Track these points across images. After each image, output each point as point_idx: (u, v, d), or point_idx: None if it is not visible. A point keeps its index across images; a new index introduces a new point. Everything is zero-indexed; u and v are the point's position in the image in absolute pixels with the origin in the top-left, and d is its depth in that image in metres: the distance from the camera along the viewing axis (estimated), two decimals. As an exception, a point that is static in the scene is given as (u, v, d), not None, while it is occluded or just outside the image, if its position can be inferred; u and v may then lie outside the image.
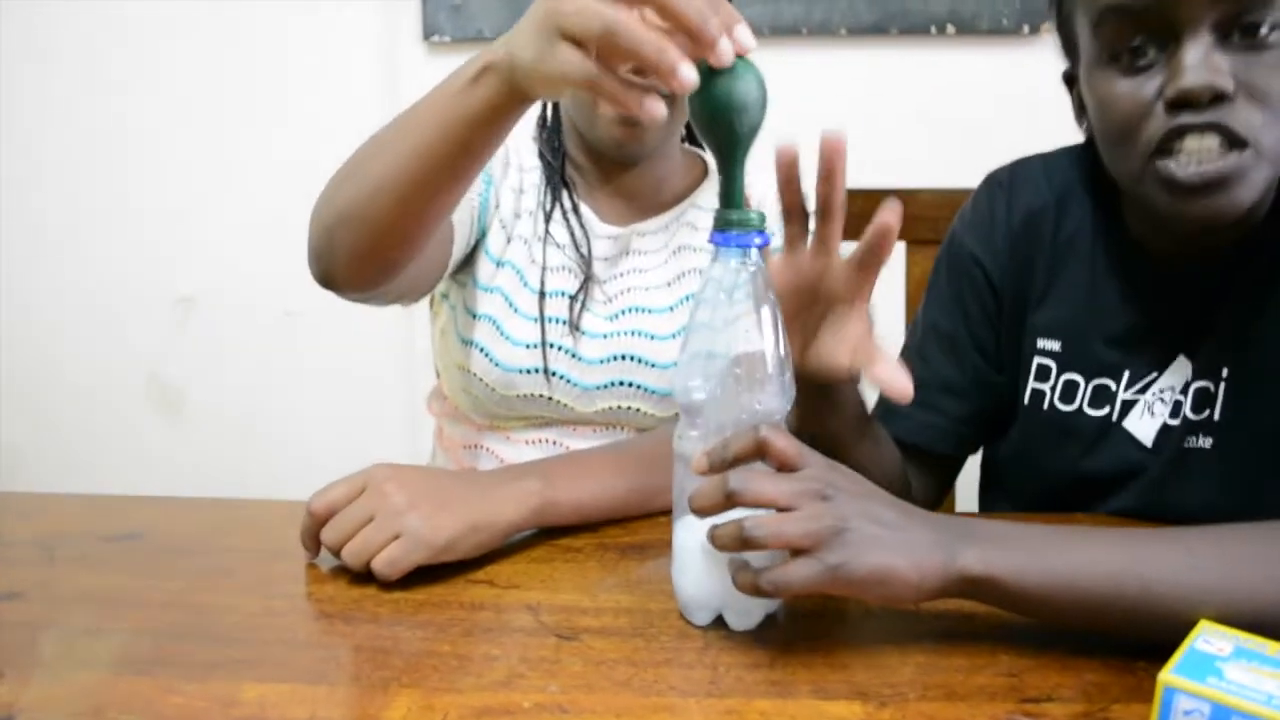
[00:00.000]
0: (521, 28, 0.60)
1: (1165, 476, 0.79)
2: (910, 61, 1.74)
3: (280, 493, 0.83)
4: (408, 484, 0.70)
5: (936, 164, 1.25)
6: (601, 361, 0.96)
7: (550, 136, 1.02)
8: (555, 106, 1.03)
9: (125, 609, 0.67)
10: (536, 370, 0.95)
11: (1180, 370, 0.79)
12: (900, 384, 0.66)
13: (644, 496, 0.80)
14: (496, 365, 0.95)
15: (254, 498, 0.85)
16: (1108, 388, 0.82)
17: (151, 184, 1.89)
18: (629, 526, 0.79)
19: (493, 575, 0.71)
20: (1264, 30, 0.66)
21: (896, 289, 1.15)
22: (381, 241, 0.72)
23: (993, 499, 0.95)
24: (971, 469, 0.96)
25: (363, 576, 0.69)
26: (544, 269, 0.97)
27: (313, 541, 0.71)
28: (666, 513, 0.70)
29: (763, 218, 0.60)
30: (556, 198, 0.99)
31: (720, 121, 0.58)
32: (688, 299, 0.99)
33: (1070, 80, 0.81)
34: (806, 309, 0.69)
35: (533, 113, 1.00)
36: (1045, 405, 0.84)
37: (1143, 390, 0.80)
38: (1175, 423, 0.79)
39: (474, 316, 0.97)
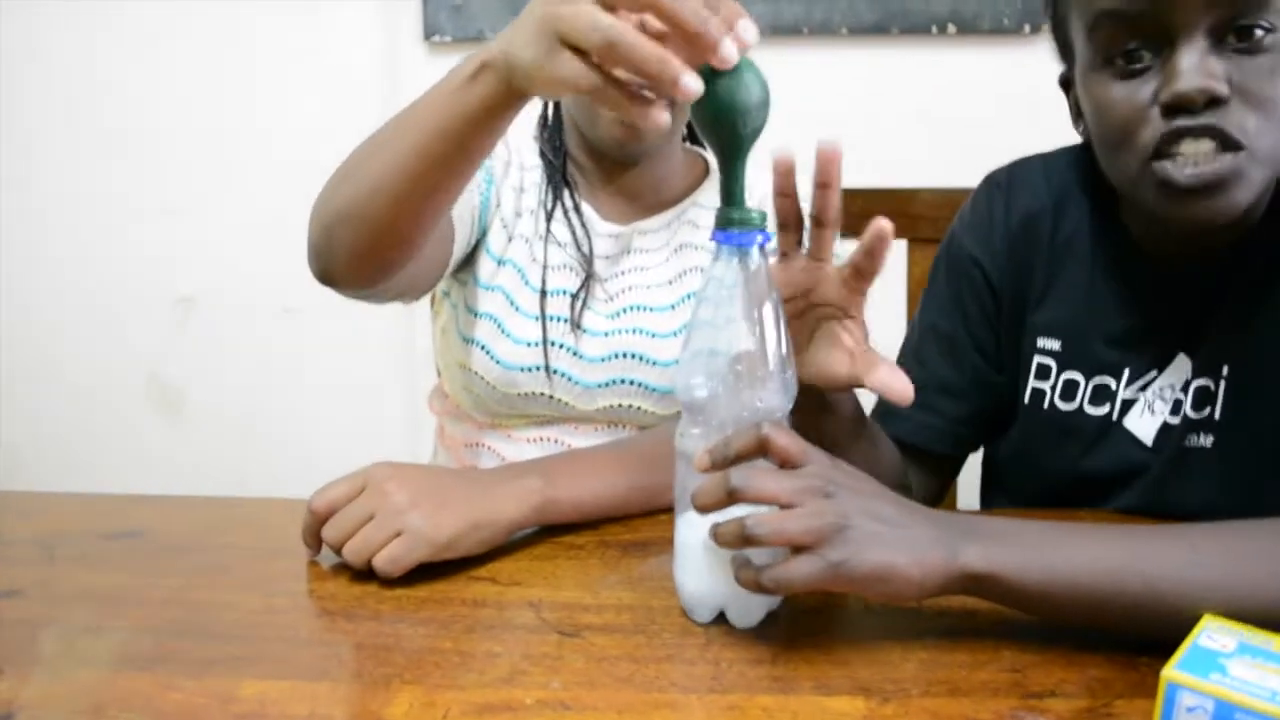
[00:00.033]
0: (518, 27, 0.60)
1: (1166, 475, 0.79)
2: (911, 61, 1.74)
3: (281, 492, 0.82)
4: (409, 482, 0.70)
5: (936, 164, 1.25)
6: (603, 360, 0.96)
7: (551, 135, 1.02)
8: (556, 105, 1.03)
9: (125, 607, 0.67)
10: (538, 368, 0.95)
11: (1180, 368, 0.79)
12: (901, 388, 0.66)
13: (645, 494, 0.80)
14: (498, 363, 0.95)
15: (254, 497, 0.85)
16: (1108, 386, 0.82)
17: (151, 184, 1.89)
18: (631, 524, 0.79)
19: (495, 572, 0.71)
20: (1258, 34, 0.66)
21: (897, 289, 1.15)
22: (380, 239, 0.72)
23: (993, 498, 0.95)
24: (972, 468, 0.96)
25: (364, 574, 0.69)
26: (545, 267, 0.97)
27: (314, 539, 0.71)
28: (668, 510, 0.70)
29: (764, 216, 0.60)
30: (558, 196, 0.99)
31: (723, 123, 0.58)
32: (689, 297, 0.98)
33: (1066, 84, 0.81)
34: (799, 317, 0.69)
35: (534, 111, 1.01)
36: (1045, 404, 0.84)
37: (1143, 388, 0.80)
38: (1175, 421, 0.79)
39: (475, 315, 0.97)
